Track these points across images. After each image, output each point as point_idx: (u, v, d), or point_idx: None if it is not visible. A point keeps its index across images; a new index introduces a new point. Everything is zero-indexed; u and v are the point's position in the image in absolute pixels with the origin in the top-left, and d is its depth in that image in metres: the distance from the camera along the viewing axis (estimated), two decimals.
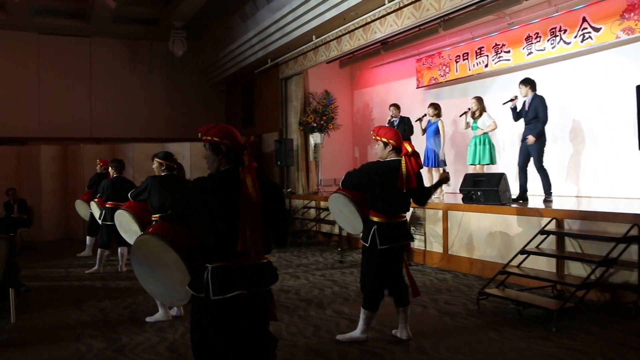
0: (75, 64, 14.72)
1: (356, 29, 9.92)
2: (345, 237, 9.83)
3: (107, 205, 8.15)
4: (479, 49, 10.15)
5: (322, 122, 12.03)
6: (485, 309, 5.69)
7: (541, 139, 7.55)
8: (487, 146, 8.57)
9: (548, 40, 8.86)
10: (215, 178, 2.78)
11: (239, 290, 2.61)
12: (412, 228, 8.36)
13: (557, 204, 7.32)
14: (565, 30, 8.60)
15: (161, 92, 15.61)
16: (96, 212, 8.62)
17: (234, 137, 2.80)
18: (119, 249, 8.37)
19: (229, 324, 2.64)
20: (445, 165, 9.32)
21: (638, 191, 7.85)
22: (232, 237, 2.62)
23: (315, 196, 11.72)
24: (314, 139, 12.26)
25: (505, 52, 9.63)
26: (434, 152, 9.22)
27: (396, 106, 9.90)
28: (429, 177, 9.27)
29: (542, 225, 6.40)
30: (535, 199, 7.86)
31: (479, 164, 8.64)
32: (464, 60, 10.49)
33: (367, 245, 4.61)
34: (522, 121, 7.90)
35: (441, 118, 9.31)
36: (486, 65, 10.02)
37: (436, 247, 8.14)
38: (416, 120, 9.56)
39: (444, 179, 4.95)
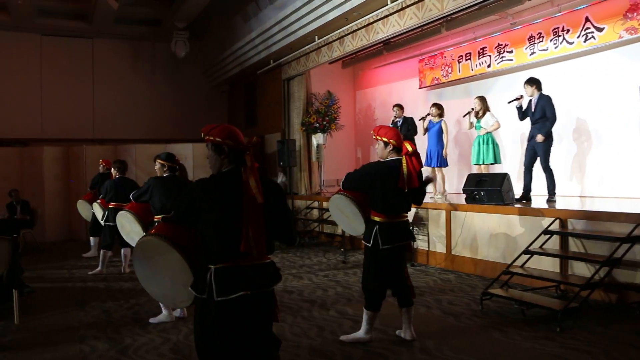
0: (78, 65, 14.73)
1: (359, 29, 9.91)
2: (348, 238, 9.82)
3: (110, 206, 8.15)
4: (481, 49, 10.14)
5: (324, 123, 12.02)
6: (489, 309, 5.68)
7: (548, 138, 7.53)
8: (491, 145, 8.56)
9: (551, 40, 8.84)
10: (218, 179, 2.77)
11: (242, 291, 2.60)
12: (415, 228, 8.35)
13: (561, 203, 7.30)
14: (568, 30, 8.58)
15: (164, 93, 15.62)
16: (99, 213, 8.63)
17: (236, 138, 2.79)
18: (122, 250, 8.37)
19: (232, 325, 2.63)
20: (446, 165, 9.31)
21: None
22: (234, 238, 2.61)
23: (318, 197, 11.71)
24: (317, 139, 12.27)
25: (507, 52, 9.62)
26: (437, 152, 9.20)
27: (400, 106, 9.88)
28: (432, 177, 9.23)
29: (546, 226, 6.38)
30: (539, 199, 7.84)
31: (483, 163, 8.63)
32: (466, 60, 10.47)
33: (369, 245, 4.60)
34: (526, 121, 7.88)
35: (444, 118, 9.30)
36: (489, 66, 10.00)
37: (439, 248, 8.13)
38: (420, 119, 9.54)
39: (428, 180, 4.92)
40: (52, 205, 12.66)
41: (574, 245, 6.18)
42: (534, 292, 5.98)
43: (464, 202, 7.85)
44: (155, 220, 5.77)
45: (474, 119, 8.81)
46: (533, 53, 9.18)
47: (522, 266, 6.24)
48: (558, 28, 8.72)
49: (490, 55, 9.95)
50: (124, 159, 9.07)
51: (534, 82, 7.66)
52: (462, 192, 8.05)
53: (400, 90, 12.35)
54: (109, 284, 7.65)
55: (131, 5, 13.00)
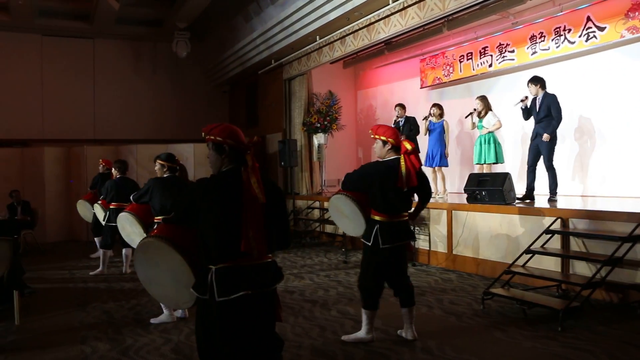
0: (79, 65, 14.73)
1: (360, 29, 9.91)
2: (349, 238, 9.80)
3: (111, 207, 8.13)
4: (483, 48, 10.13)
5: (325, 123, 12.02)
6: (491, 309, 5.67)
7: (553, 138, 7.50)
8: (493, 145, 8.54)
9: (552, 40, 8.83)
10: (218, 179, 2.77)
11: (243, 291, 2.59)
12: (416, 228, 8.35)
13: (563, 203, 7.29)
14: (569, 30, 8.57)
15: (165, 93, 15.63)
16: (100, 214, 8.61)
17: (237, 137, 2.79)
18: (123, 250, 8.37)
19: (234, 326, 2.62)
20: (447, 165, 9.31)
21: None
22: (235, 238, 2.61)
23: (319, 197, 11.70)
24: (318, 139, 12.26)
25: (509, 51, 9.61)
26: (438, 152, 9.20)
27: (402, 106, 9.87)
28: (433, 177, 9.25)
29: (547, 225, 6.37)
30: (540, 199, 7.83)
31: (485, 163, 8.61)
32: (468, 60, 10.46)
33: (369, 244, 4.59)
34: (529, 120, 7.87)
35: (445, 118, 9.30)
36: (490, 65, 9.99)
37: (441, 247, 8.12)
38: (423, 119, 9.52)
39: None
40: (53, 205, 12.65)
41: (576, 245, 6.17)
42: (536, 291, 5.97)
43: (465, 201, 7.84)
44: (156, 221, 5.76)
45: (476, 119, 8.80)
46: (535, 53, 9.17)
47: (523, 266, 6.23)
48: (559, 27, 8.71)
49: (491, 55, 9.94)
50: (124, 159, 9.05)
51: (538, 81, 7.63)
52: (463, 191, 8.04)
53: (401, 90, 12.34)
54: (110, 284, 7.64)
55: (132, 6, 13.00)
